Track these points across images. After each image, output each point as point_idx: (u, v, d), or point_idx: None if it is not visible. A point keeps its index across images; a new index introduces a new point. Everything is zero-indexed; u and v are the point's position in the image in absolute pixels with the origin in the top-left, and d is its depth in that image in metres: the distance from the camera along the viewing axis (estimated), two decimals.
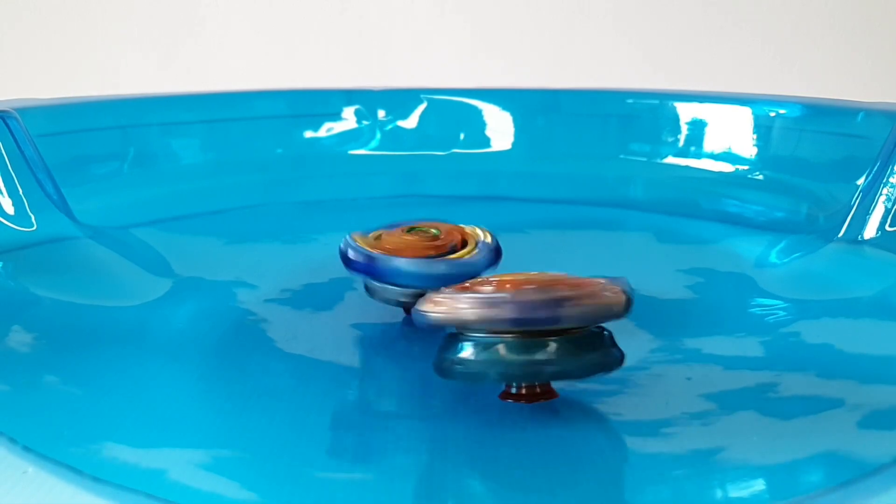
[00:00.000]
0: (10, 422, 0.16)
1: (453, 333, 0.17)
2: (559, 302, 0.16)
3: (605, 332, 0.17)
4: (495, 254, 0.22)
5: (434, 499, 0.15)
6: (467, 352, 0.17)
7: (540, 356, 0.16)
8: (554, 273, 0.18)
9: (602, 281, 0.17)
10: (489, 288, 0.17)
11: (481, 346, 0.17)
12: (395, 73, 0.54)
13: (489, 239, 0.22)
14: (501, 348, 0.16)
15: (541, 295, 0.16)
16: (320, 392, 0.19)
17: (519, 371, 0.17)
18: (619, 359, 0.17)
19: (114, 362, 0.20)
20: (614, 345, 0.17)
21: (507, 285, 0.17)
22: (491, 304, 0.16)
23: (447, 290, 0.17)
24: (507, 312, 0.16)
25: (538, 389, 0.17)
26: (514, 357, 0.16)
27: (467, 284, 0.18)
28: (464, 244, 0.22)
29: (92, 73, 0.55)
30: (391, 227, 0.22)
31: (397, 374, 0.20)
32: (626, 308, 0.17)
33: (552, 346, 0.16)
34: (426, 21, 0.54)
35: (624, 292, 0.17)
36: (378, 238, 0.22)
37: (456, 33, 0.54)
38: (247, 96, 0.38)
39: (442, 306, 0.17)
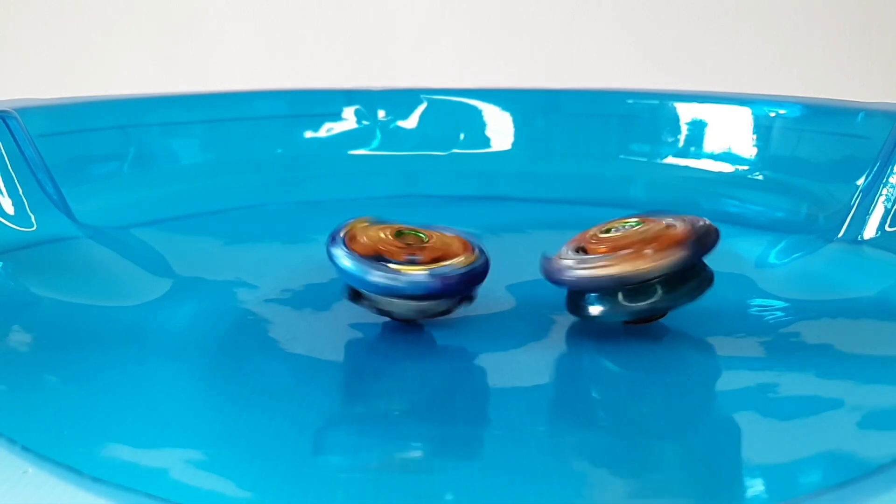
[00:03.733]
0: (9, 422, 0.16)
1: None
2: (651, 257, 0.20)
3: (698, 261, 0.20)
4: (439, 281, 0.20)
5: (434, 498, 0.15)
6: (594, 303, 0.21)
7: (651, 299, 0.20)
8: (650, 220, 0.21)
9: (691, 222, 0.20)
10: (602, 248, 0.20)
11: (605, 296, 0.20)
12: (395, 73, 0.54)
13: (461, 264, 0.21)
14: (620, 296, 0.20)
15: (636, 258, 0.20)
16: (320, 392, 0.19)
17: (637, 312, 0.21)
18: (712, 277, 0.21)
19: (114, 362, 0.20)
20: (705, 267, 0.21)
21: (624, 245, 0.20)
22: (600, 267, 0.20)
23: (569, 253, 0.21)
24: (612, 275, 0.20)
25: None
26: (631, 304, 0.20)
27: (581, 244, 0.21)
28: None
29: (92, 73, 0.55)
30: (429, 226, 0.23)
31: (397, 374, 0.20)
32: (716, 240, 0.20)
33: (659, 289, 0.20)
34: (426, 21, 0.54)
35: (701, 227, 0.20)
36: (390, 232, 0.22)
37: (456, 33, 0.54)
38: (247, 96, 0.38)
39: (568, 271, 0.20)
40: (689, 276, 0.20)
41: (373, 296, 0.21)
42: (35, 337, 0.22)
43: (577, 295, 0.21)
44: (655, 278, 0.20)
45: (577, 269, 0.20)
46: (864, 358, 0.20)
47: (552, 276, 0.21)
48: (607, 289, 0.20)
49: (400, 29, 0.54)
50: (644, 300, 0.20)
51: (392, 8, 0.54)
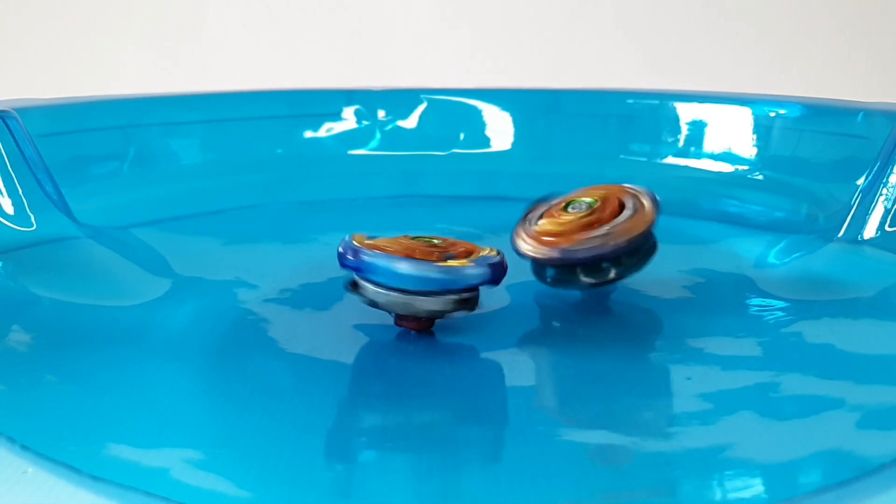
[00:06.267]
0: (9, 421, 0.16)
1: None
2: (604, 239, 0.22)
3: (643, 234, 0.23)
4: (492, 269, 0.21)
5: (434, 497, 0.15)
6: (556, 277, 0.24)
7: (603, 274, 0.23)
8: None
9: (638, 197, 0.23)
10: (558, 228, 0.23)
11: (565, 271, 0.23)
12: (395, 73, 0.54)
13: (494, 254, 0.21)
14: (579, 271, 0.23)
15: (593, 242, 0.22)
16: (320, 392, 0.19)
17: (590, 285, 0.23)
18: (655, 246, 0.23)
19: (114, 362, 0.20)
20: (649, 237, 0.23)
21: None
22: (562, 251, 0.22)
23: (529, 235, 0.23)
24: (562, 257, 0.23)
25: None
26: (587, 279, 0.23)
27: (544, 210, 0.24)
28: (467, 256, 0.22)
29: (92, 73, 0.55)
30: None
31: (397, 374, 0.20)
32: (656, 217, 0.23)
33: (609, 266, 0.23)
34: (426, 21, 0.54)
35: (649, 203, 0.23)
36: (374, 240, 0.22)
37: (456, 33, 0.54)
38: (247, 96, 0.38)
39: (529, 248, 0.23)
40: (637, 248, 0.23)
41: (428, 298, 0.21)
42: (35, 337, 0.22)
43: (539, 267, 0.24)
44: (606, 259, 0.23)
45: (532, 251, 0.23)
46: (864, 358, 0.20)
47: (515, 250, 0.23)
48: (564, 267, 0.23)
49: (400, 29, 0.54)
50: (596, 275, 0.23)
51: (392, 8, 0.54)
